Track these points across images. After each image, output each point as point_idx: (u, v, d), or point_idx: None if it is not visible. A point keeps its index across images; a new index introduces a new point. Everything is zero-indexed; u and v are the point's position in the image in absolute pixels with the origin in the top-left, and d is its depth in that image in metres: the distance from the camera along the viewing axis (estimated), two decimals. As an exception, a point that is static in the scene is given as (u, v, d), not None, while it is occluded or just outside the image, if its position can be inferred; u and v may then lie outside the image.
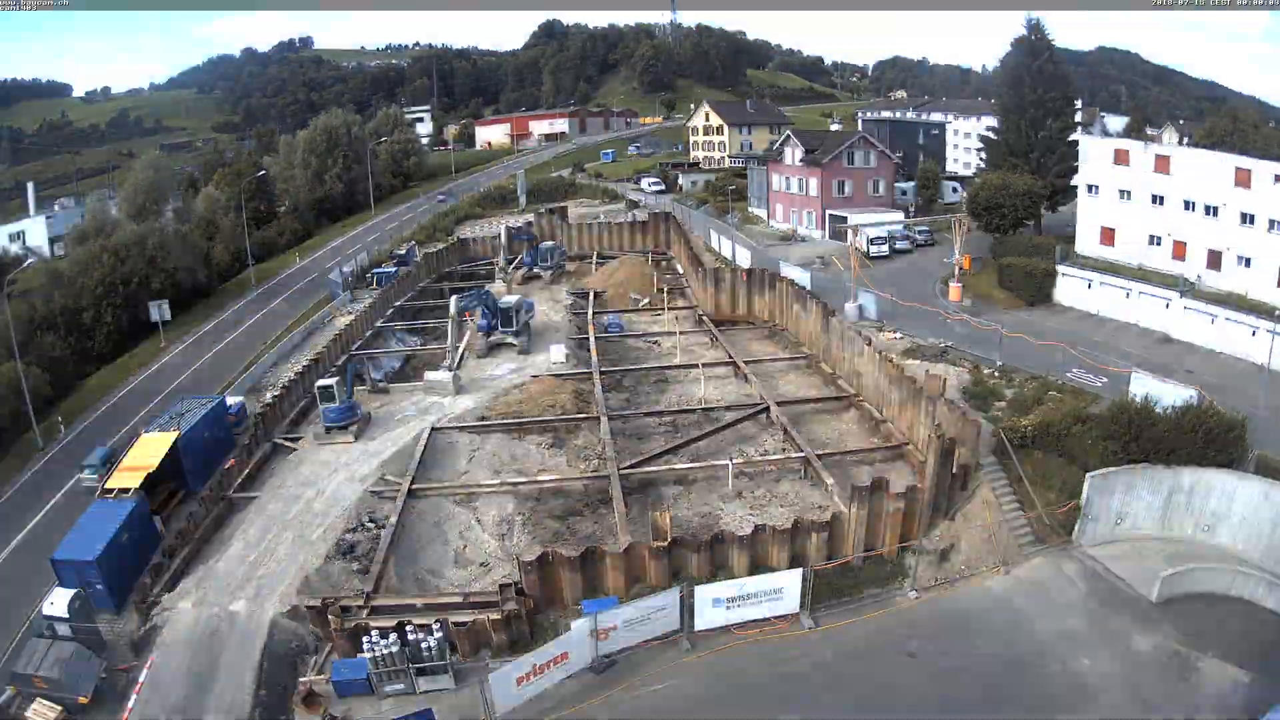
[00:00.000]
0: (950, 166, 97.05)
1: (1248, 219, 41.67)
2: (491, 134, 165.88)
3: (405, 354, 47.73)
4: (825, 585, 24.90)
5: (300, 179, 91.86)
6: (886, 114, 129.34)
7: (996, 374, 35.87)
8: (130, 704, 21.20)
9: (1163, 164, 46.66)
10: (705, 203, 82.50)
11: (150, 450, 29.43)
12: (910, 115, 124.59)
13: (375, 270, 61.81)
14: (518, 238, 62.29)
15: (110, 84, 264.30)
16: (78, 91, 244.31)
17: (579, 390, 38.23)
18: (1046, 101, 55.91)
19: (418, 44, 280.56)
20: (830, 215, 65.61)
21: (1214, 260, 43.30)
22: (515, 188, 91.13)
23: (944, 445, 26.35)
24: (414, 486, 29.63)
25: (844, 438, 33.59)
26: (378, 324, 50.69)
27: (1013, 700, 21.12)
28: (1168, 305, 40.37)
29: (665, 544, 24.80)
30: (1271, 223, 40.61)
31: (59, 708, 21.32)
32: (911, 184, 72.04)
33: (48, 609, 23.68)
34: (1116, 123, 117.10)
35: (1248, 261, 41.63)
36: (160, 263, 55.15)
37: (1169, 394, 29.49)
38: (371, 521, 28.03)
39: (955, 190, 74.36)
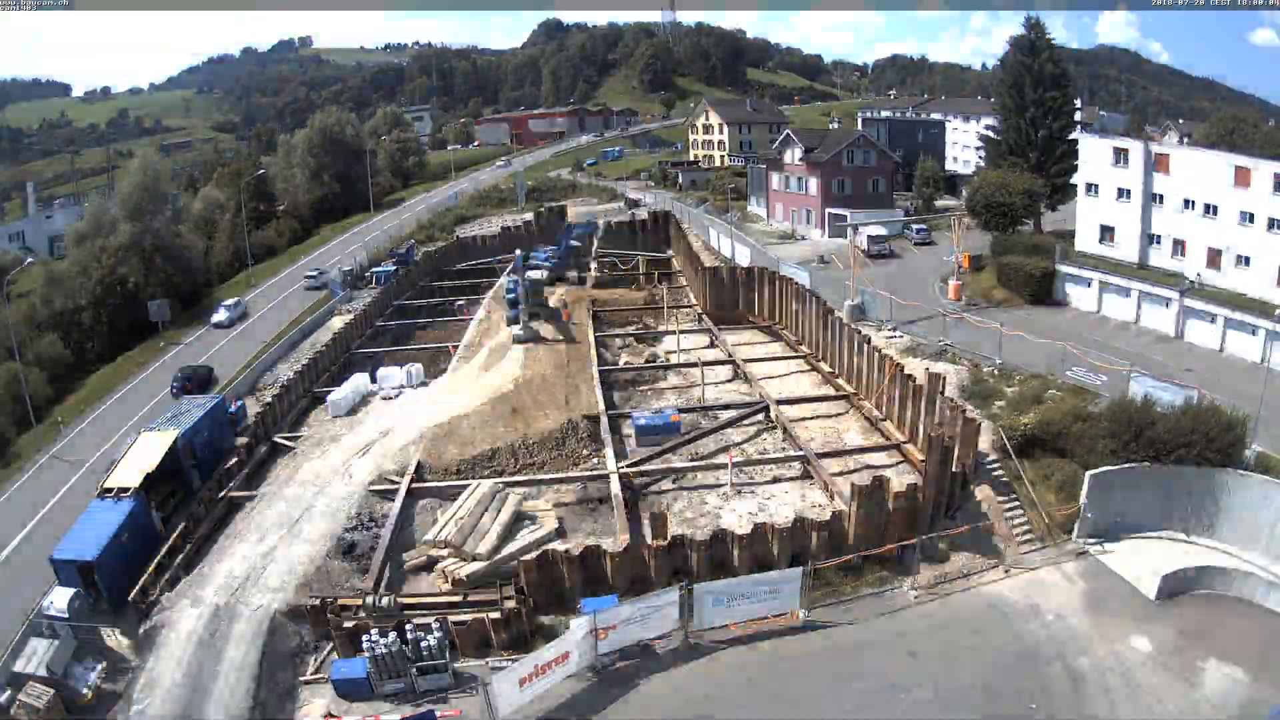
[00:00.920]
0: (950, 165, 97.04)
1: (1247, 218, 41.70)
2: (490, 134, 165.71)
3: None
4: (825, 584, 24.91)
5: (299, 179, 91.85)
6: (886, 113, 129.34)
7: (996, 372, 35.88)
8: (131, 704, 21.19)
9: (1162, 163, 46.71)
10: (705, 201, 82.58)
11: (150, 450, 29.41)
12: (910, 114, 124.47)
13: (374, 269, 61.87)
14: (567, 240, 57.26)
15: (110, 84, 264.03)
16: (77, 91, 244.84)
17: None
18: (1046, 101, 55.99)
19: (417, 43, 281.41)
20: (829, 214, 65.67)
21: (1213, 259, 43.34)
22: (514, 186, 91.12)
23: (943, 444, 26.34)
24: (414, 485, 29.66)
25: (843, 436, 33.59)
26: (377, 323, 50.72)
27: (1013, 700, 21.11)
28: (1168, 304, 40.40)
29: (665, 543, 24.81)
30: (1271, 222, 40.64)
31: (51, 690, 21.32)
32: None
33: (47, 609, 23.70)
34: (1116, 122, 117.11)
35: (1247, 260, 41.68)
36: (159, 263, 55.15)
37: (1169, 393, 29.50)
38: (371, 520, 28.06)
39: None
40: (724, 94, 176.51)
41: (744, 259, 56.25)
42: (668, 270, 61.57)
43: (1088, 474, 26.68)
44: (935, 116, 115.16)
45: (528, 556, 24.69)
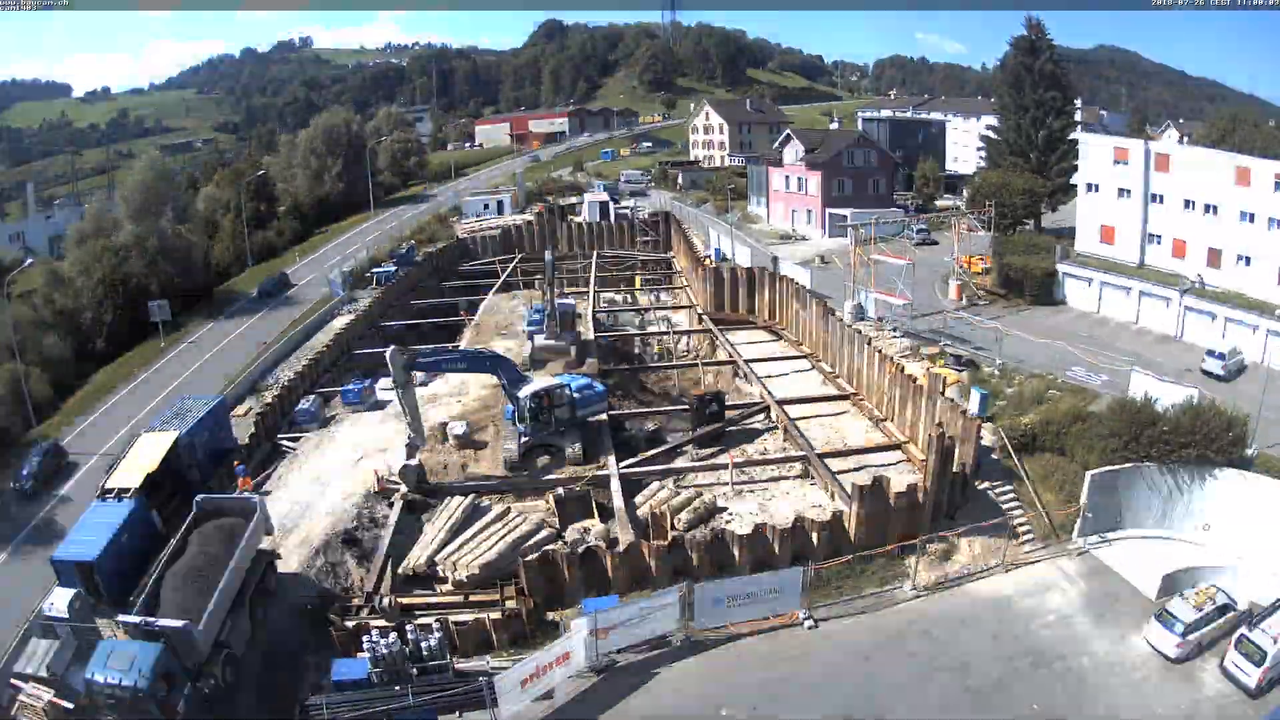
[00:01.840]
0: (950, 165, 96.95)
1: (1247, 217, 41.67)
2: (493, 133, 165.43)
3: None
4: (826, 584, 24.92)
5: (300, 179, 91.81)
6: (886, 113, 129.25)
7: (997, 372, 35.87)
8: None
9: (1162, 163, 46.67)
10: (705, 201, 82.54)
11: (150, 450, 29.37)
12: (910, 114, 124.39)
13: (374, 270, 61.79)
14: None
15: (110, 84, 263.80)
16: (77, 91, 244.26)
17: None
18: (1047, 101, 55.99)
19: (417, 44, 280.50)
20: (829, 214, 65.65)
21: (1214, 258, 43.31)
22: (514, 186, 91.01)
23: (944, 444, 26.33)
24: (414, 487, 29.55)
25: (844, 436, 33.58)
26: (379, 322, 50.71)
27: (1013, 699, 21.12)
28: (1168, 304, 40.38)
29: (666, 543, 24.81)
30: (1271, 221, 40.60)
31: (51, 689, 21.28)
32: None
33: (47, 609, 23.67)
34: (1117, 122, 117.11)
35: (1247, 260, 41.64)
36: (160, 263, 55.13)
37: (1169, 392, 29.51)
38: (372, 521, 28.05)
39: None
40: (724, 94, 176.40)
41: (744, 259, 56.22)
42: (668, 270, 61.60)
43: (1088, 474, 26.70)
44: (936, 116, 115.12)
45: (529, 557, 24.69)
